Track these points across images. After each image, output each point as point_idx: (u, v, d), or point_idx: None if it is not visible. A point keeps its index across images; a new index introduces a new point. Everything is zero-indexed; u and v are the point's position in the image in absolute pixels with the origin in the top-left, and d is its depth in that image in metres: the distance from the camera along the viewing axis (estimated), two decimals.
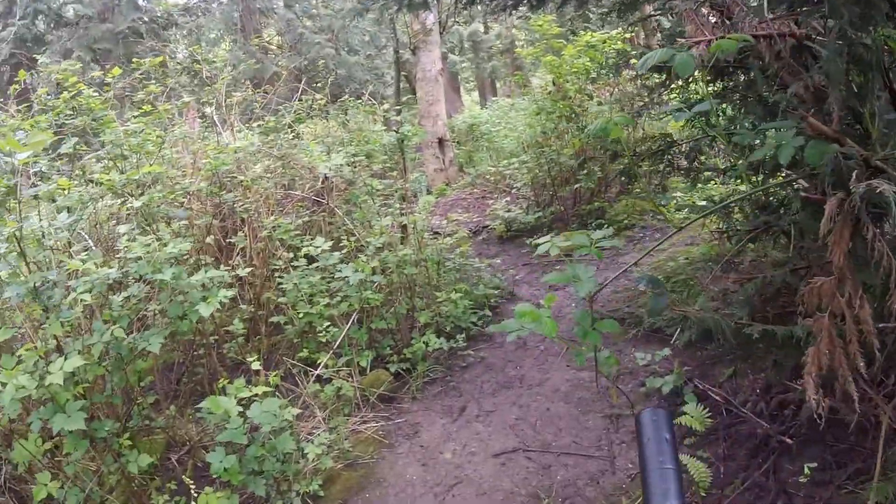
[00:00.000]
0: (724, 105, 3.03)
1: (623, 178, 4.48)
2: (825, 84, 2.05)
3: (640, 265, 5.64)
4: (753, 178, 3.17)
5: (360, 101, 8.27)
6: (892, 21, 1.95)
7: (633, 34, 8.01)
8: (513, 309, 5.94)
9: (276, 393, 4.14)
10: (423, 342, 4.96)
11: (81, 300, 3.06)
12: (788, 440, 3.27)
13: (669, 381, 3.93)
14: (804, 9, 2.32)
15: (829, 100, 1.80)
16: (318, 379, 4.45)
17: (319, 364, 4.50)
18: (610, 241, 2.05)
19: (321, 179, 5.60)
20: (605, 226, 7.43)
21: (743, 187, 4.42)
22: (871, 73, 1.90)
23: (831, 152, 1.72)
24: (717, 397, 3.72)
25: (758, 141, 1.98)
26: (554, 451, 3.85)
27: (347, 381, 4.47)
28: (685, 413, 3.64)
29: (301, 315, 4.73)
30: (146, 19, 15.86)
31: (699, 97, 3.84)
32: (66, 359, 2.92)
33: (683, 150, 3.60)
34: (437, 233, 6.64)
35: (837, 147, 1.75)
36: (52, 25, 15.83)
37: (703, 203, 5.40)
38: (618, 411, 4.06)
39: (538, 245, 2.14)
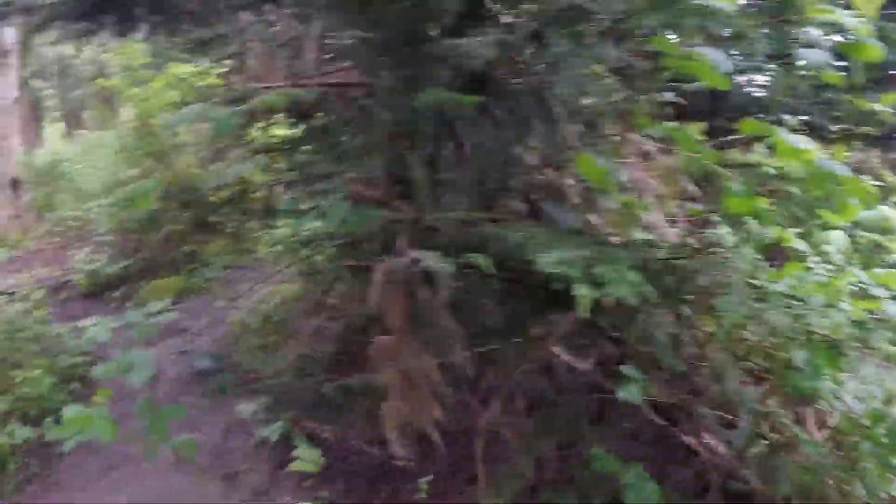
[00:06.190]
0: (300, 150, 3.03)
1: (195, 228, 4.33)
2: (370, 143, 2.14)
3: (237, 308, 5.55)
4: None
5: None
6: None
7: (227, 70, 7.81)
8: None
9: None
10: (7, 434, 4.20)
11: None
12: (399, 463, 3.45)
13: (276, 428, 3.87)
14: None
15: (369, 164, 1.85)
16: None
17: None
18: (167, 316, 1.89)
19: None
20: (199, 269, 7.16)
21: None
22: (415, 137, 1.98)
23: (377, 218, 1.76)
24: (326, 434, 3.78)
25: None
26: None
27: None
28: (298, 458, 3.63)
29: None
30: None
31: (281, 138, 3.84)
32: None
33: (258, 195, 3.58)
34: (9, 294, 5.66)
35: (384, 212, 1.79)
36: None
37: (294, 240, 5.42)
38: (235, 469, 3.87)
39: (89, 331, 1.88)
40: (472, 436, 3.11)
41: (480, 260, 1.59)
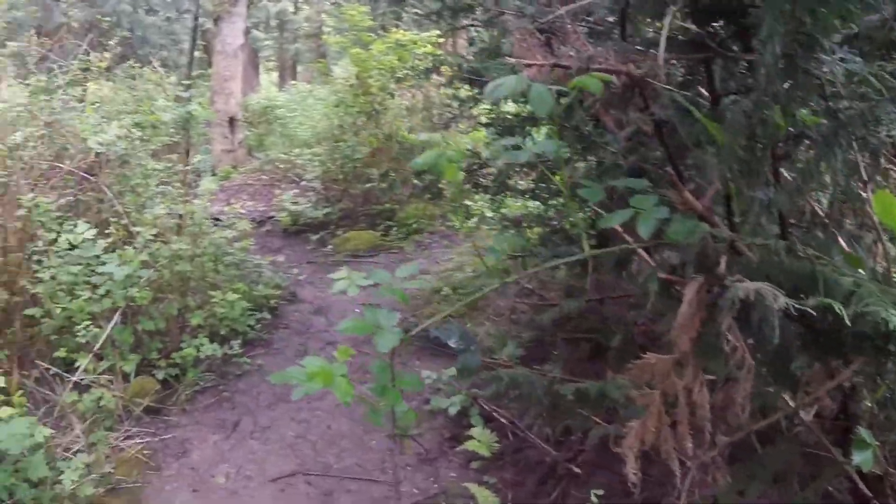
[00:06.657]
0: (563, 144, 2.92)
1: (427, 195, 4.33)
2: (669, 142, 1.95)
3: (430, 272, 5.57)
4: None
5: (147, 66, 7.29)
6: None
7: (444, 40, 7.94)
8: (295, 312, 5.66)
9: (28, 404, 3.46)
10: (195, 346, 4.43)
11: None
12: (577, 469, 3.28)
13: (456, 402, 3.84)
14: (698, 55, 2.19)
15: (712, 174, 1.66)
16: (77, 386, 3.81)
17: (78, 368, 3.86)
18: (416, 283, 1.84)
19: (93, 153, 4.80)
20: (394, 228, 7.35)
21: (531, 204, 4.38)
22: (765, 149, 1.80)
23: (702, 232, 1.60)
24: (504, 420, 3.68)
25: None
26: (336, 474, 3.59)
27: (109, 388, 3.86)
28: (472, 437, 3.56)
29: (60, 309, 4.02)
30: None
31: (511, 115, 3.76)
32: None
33: (492, 171, 3.52)
34: (217, 220, 6.03)
35: (707, 227, 1.63)
36: None
37: (491, 215, 5.37)
38: (403, 431, 3.87)
39: (336, 280, 1.87)
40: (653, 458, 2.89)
41: (835, 307, 1.38)
